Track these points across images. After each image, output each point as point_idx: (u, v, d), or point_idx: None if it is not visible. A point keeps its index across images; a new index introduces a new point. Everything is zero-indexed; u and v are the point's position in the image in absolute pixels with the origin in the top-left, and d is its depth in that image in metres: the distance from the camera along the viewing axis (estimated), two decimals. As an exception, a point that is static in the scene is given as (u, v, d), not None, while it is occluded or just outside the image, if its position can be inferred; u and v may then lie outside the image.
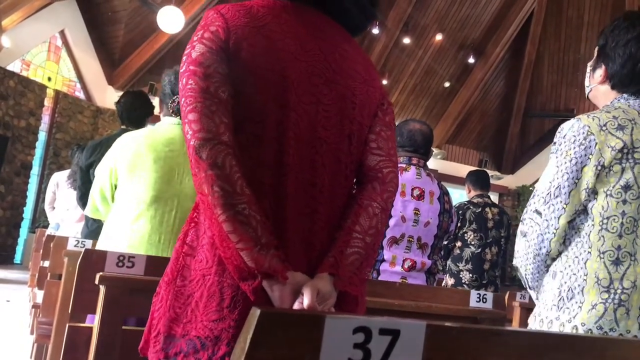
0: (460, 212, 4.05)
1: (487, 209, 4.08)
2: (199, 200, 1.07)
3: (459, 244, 4.06)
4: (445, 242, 4.07)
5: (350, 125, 1.15)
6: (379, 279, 2.33)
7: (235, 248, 0.97)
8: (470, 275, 3.98)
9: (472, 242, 4.01)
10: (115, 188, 2.07)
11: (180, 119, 2.04)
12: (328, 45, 1.16)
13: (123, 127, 3.33)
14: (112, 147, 2.11)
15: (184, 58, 1.08)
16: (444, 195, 2.53)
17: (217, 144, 1.00)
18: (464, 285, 3.95)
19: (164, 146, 2.03)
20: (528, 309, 2.69)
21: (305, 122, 1.09)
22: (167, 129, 2.08)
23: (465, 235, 4.03)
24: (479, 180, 4.25)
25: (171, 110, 2.14)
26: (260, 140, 1.07)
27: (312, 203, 1.09)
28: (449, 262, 4.12)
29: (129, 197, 2.00)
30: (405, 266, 2.38)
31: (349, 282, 1.08)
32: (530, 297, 2.78)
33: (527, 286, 1.50)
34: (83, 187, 3.25)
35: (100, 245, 2.05)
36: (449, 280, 4.08)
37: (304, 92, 1.10)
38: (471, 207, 4.07)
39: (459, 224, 4.03)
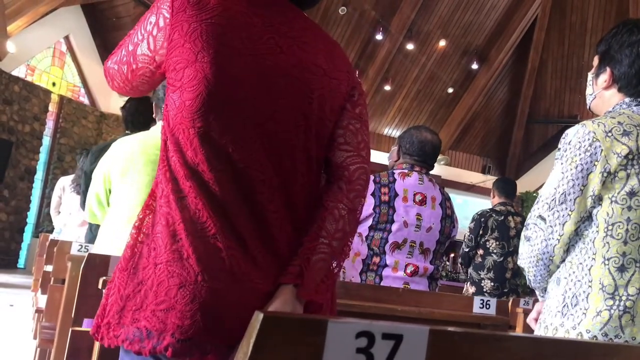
0: (482, 219, 4.04)
1: (510, 218, 4.07)
2: (156, 187, 1.09)
3: (480, 252, 4.04)
4: (467, 250, 4.06)
5: (305, 120, 1.09)
6: (382, 284, 2.33)
7: None
8: (492, 283, 3.96)
9: (495, 251, 4.00)
10: (110, 193, 2.09)
11: None
12: (285, 38, 1.10)
13: (127, 132, 3.33)
14: (107, 152, 2.13)
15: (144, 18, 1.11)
16: (446, 201, 2.53)
17: None
18: (485, 294, 3.93)
19: (156, 149, 2.04)
20: (532, 315, 2.67)
21: (251, 117, 1.05)
22: (160, 133, 2.09)
23: (487, 243, 4.02)
24: (505, 188, 4.24)
25: None
26: (206, 136, 1.03)
27: (261, 199, 1.05)
28: (470, 270, 4.11)
29: (122, 201, 2.02)
30: (408, 271, 2.37)
31: (315, 290, 1.05)
32: (533, 304, 2.77)
33: (531, 286, 1.52)
34: (87, 191, 3.25)
35: (96, 249, 2.06)
36: (470, 289, 4.06)
37: (252, 87, 1.05)
38: (494, 215, 4.06)
39: (481, 232, 4.02)
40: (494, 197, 4.26)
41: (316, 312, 1.08)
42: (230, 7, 1.07)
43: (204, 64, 1.02)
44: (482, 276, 3.99)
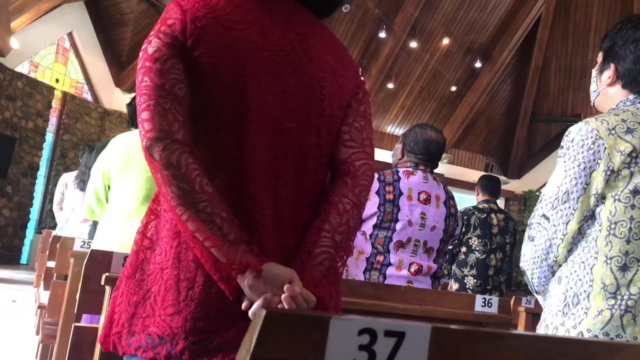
0: (465, 217, 4.05)
1: (492, 215, 4.08)
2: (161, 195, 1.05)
3: (463, 249, 4.06)
4: (450, 247, 4.07)
5: (318, 117, 1.10)
6: (385, 282, 2.33)
7: (205, 247, 0.95)
8: (475, 280, 3.99)
9: (477, 248, 4.01)
10: (109, 189, 2.08)
11: None
12: (295, 35, 1.11)
13: (132, 129, 3.34)
14: (106, 148, 2.12)
15: (141, 54, 1.04)
16: (450, 200, 2.53)
17: (169, 143, 0.96)
18: (469, 291, 3.97)
19: None
20: (534, 314, 2.68)
21: (268, 114, 1.05)
22: None
23: (470, 240, 4.04)
24: (488, 185, 4.26)
25: None
26: (218, 133, 1.03)
27: (274, 196, 1.05)
28: (453, 267, 4.13)
29: (121, 197, 2.02)
30: (412, 270, 2.37)
31: (315, 283, 1.03)
32: (536, 302, 2.77)
33: (534, 290, 1.49)
34: None
35: (95, 245, 2.06)
36: (454, 285, 4.09)
37: (267, 83, 1.06)
38: (476, 213, 4.07)
39: (463, 229, 4.03)
40: (477, 194, 4.28)
41: (318, 307, 1.05)
42: (240, 4, 1.08)
43: (225, 61, 1.03)
44: (465, 273, 4.02)
